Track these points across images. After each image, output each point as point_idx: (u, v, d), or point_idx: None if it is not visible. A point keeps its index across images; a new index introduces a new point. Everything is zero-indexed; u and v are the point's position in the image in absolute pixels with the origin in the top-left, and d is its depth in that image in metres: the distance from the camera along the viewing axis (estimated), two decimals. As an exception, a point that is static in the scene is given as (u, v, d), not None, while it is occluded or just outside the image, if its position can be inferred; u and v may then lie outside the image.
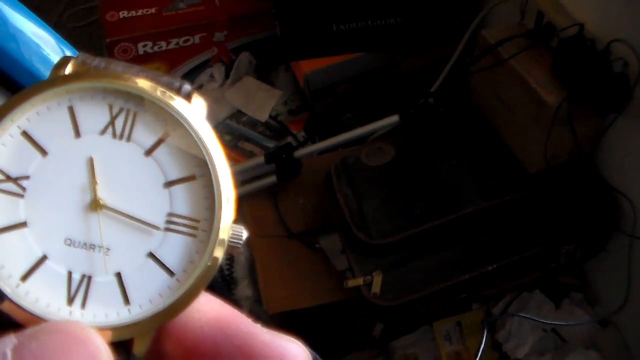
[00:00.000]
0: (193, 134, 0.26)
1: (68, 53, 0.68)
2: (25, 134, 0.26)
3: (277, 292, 1.29)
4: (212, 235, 0.26)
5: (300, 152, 1.39)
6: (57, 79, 0.26)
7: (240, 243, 0.27)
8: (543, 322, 1.21)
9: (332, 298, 1.27)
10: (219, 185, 0.26)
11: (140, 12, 1.69)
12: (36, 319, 0.25)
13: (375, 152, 1.36)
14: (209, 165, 0.26)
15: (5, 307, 0.25)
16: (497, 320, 1.24)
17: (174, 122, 0.26)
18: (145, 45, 1.69)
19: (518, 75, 1.17)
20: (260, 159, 1.40)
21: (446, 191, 1.25)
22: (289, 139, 1.60)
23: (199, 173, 0.26)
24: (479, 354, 1.17)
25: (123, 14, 1.68)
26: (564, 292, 1.28)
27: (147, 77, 0.27)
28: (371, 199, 1.27)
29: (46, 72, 0.66)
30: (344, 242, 1.26)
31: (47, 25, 0.68)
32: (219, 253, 0.26)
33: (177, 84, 0.27)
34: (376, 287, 1.17)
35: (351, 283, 1.19)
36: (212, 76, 1.76)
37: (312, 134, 1.60)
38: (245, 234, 0.27)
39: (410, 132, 1.36)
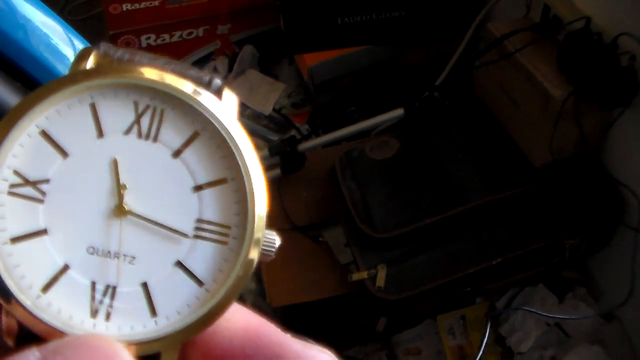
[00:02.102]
0: (224, 133, 0.24)
1: (76, 42, 0.68)
2: (44, 133, 0.24)
3: (281, 286, 1.29)
4: (244, 243, 0.24)
5: (304, 145, 1.39)
6: (78, 74, 0.24)
7: (272, 251, 0.25)
8: (547, 316, 1.21)
9: (335, 291, 1.27)
10: (252, 191, 0.24)
11: (143, 5, 1.68)
12: (58, 333, 0.23)
13: (380, 145, 1.35)
14: (242, 169, 0.24)
15: (23, 318, 0.23)
16: (501, 314, 1.24)
17: (204, 121, 0.25)
18: (148, 38, 1.69)
19: (524, 69, 1.17)
20: (265, 152, 1.40)
21: (451, 185, 1.25)
22: (293, 132, 1.60)
23: (231, 176, 0.25)
24: (482, 348, 1.17)
25: (126, 6, 1.68)
26: (567, 287, 1.28)
27: (174, 71, 0.25)
28: (376, 192, 1.27)
29: (54, 62, 0.66)
30: (348, 235, 1.26)
31: (55, 15, 0.68)
32: (252, 261, 0.24)
33: (206, 78, 0.25)
34: (380, 281, 1.17)
35: (355, 276, 1.19)
36: (215, 69, 1.76)
37: (316, 127, 1.60)
38: (278, 241, 0.25)
39: (414, 125, 1.36)
